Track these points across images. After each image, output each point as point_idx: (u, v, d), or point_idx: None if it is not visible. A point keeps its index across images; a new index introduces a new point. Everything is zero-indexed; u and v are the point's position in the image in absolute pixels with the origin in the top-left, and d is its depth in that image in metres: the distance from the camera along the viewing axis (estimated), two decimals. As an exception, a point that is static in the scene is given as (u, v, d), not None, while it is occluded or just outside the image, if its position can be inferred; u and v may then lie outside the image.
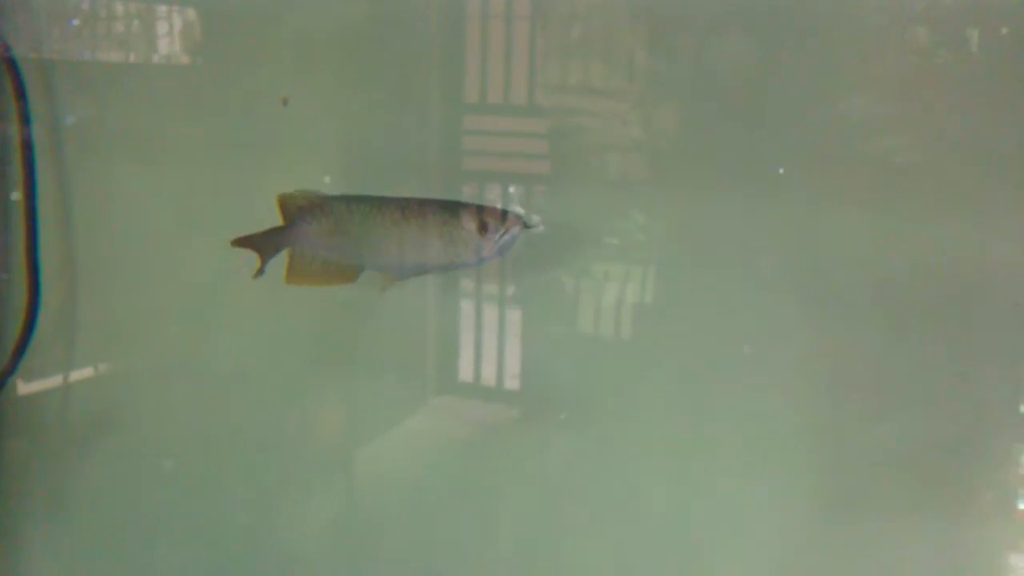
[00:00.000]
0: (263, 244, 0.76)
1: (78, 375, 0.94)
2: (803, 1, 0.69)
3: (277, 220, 0.76)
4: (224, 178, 0.86)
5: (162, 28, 0.91)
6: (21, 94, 0.90)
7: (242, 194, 0.84)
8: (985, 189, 0.66)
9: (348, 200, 0.76)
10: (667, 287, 0.76)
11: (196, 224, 0.88)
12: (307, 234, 0.76)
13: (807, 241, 0.71)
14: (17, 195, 0.91)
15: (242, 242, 0.76)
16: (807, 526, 0.72)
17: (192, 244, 0.88)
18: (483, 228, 0.72)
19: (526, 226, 0.73)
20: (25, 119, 0.91)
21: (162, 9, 0.90)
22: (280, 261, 0.76)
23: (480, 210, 0.73)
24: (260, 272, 0.76)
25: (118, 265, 0.92)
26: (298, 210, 0.75)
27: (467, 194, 0.80)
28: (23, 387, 0.95)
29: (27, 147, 0.91)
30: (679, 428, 0.75)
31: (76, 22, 0.94)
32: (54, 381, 0.94)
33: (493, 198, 0.80)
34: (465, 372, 0.83)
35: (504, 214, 0.73)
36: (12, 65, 0.90)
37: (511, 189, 0.80)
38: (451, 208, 0.73)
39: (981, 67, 0.66)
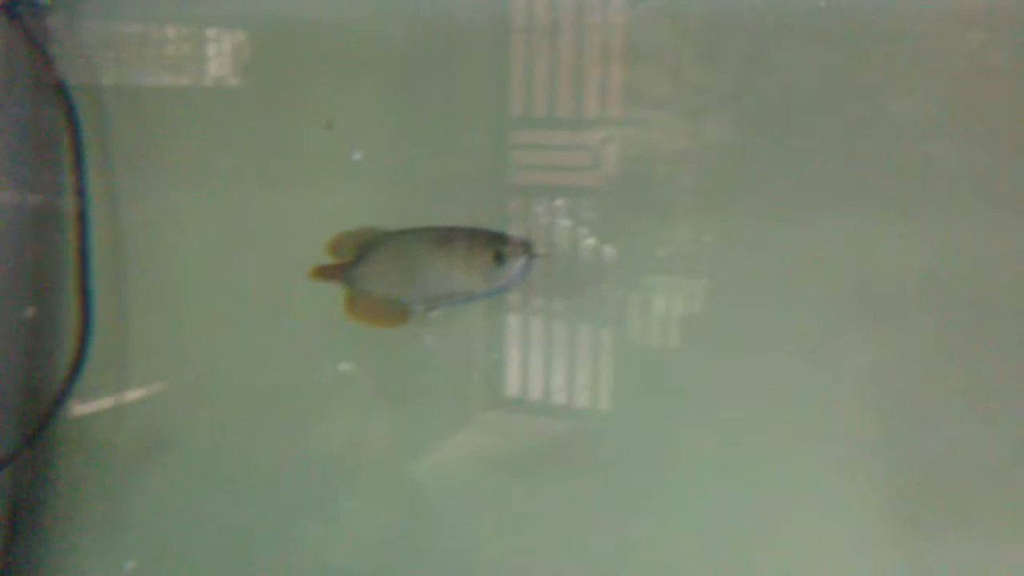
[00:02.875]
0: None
1: (130, 395, 0.95)
2: (854, 5, 0.68)
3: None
4: (271, 200, 0.87)
5: (211, 51, 0.92)
6: (72, 119, 0.92)
7: (289, 215, 0.85)
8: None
9: (402, 234, 0.75)
10: (716, 300, 0.75)
11: (245, 245, 0.89)
12: (366, 271, 0.76)
13: (864, 252, 0.70)
14: (68, 217, 0.93)
15: (324, 273, 0.77)
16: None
17: (241, 265, 0.89)
18: (497, 257, 0.72)
19: (532, 254, 0.71)
20: (76, 144, 0.92)
21: (211, 32, 0.91)
22: (330, 289, 0.77)
23: (495, 239, 0.72)
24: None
25: (168, 287, 0.94)
26: (360, 247, 0.76)
27: (512, 210, 0.80)
28: (78, 408, 0.96)
29: (79, 170, 0.93)
30: (732, 440, 0.74)
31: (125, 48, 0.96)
32: (107, 402, 0.96)
33: (540, 213, 0.80)
34: (512, 388, 0.82)
35: (515, 242, 0.72)
36: (63, 90, 0.92)
37: (558, 203, 0.79)
38: (473, 237, 0.73)
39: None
